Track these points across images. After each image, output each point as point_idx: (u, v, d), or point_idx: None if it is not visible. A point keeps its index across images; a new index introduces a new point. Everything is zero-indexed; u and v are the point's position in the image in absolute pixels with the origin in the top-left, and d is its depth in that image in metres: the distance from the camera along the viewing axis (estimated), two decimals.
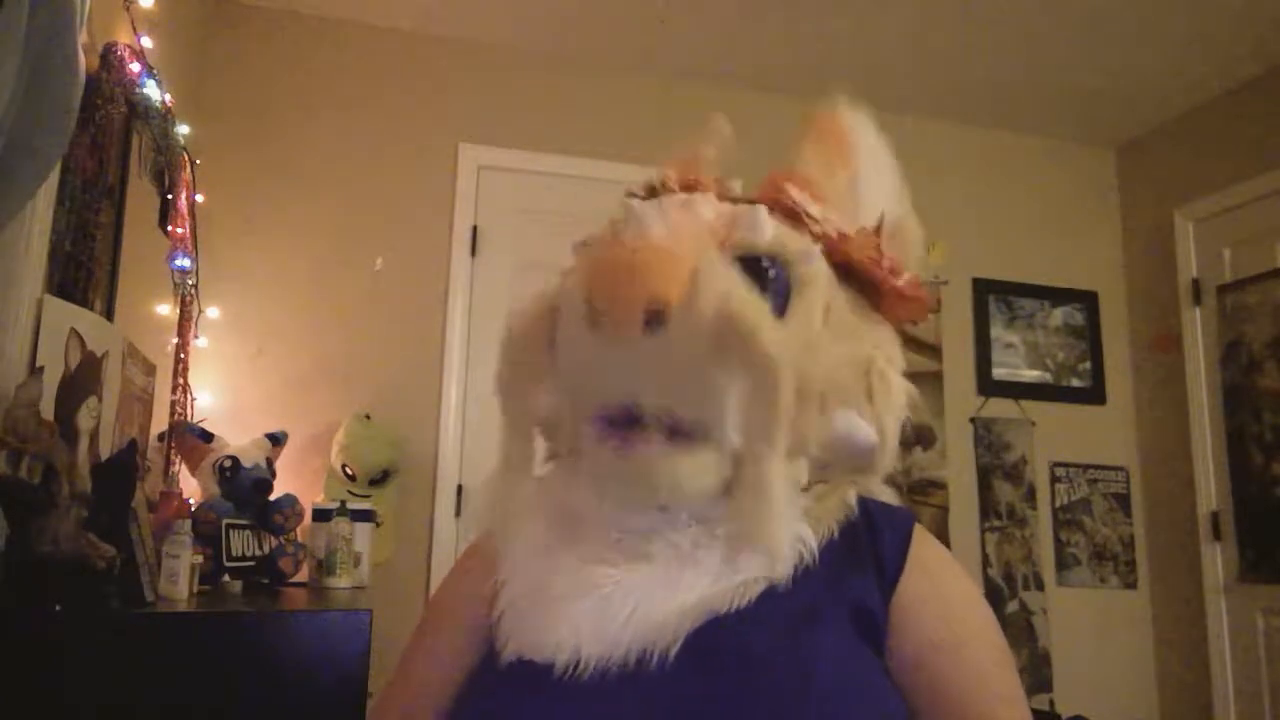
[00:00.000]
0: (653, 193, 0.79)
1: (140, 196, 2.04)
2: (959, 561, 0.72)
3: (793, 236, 0.70)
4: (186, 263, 2.30)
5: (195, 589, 1.65)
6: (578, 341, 0.60)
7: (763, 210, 0.69)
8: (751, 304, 0.59)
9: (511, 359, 0.65)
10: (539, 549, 0.67)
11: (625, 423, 0.61)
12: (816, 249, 0.70)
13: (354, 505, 2.30)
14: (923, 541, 0.70)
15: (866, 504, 0.71)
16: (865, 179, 0.77)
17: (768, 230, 0.68)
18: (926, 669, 0.63)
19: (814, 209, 0.72)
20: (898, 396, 0.71)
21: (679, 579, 0.62)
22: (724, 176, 0.81)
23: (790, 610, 0.62)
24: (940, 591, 0.67)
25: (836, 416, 0.68)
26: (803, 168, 0.77)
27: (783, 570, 0.63)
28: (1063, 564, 3.27)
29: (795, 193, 0.73)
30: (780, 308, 0.66)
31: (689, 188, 0.77)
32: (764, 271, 0.66)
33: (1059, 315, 3.46)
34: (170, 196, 2.21)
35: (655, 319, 0.56)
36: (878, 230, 0.74)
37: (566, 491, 0.68)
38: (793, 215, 0.72)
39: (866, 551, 0.67)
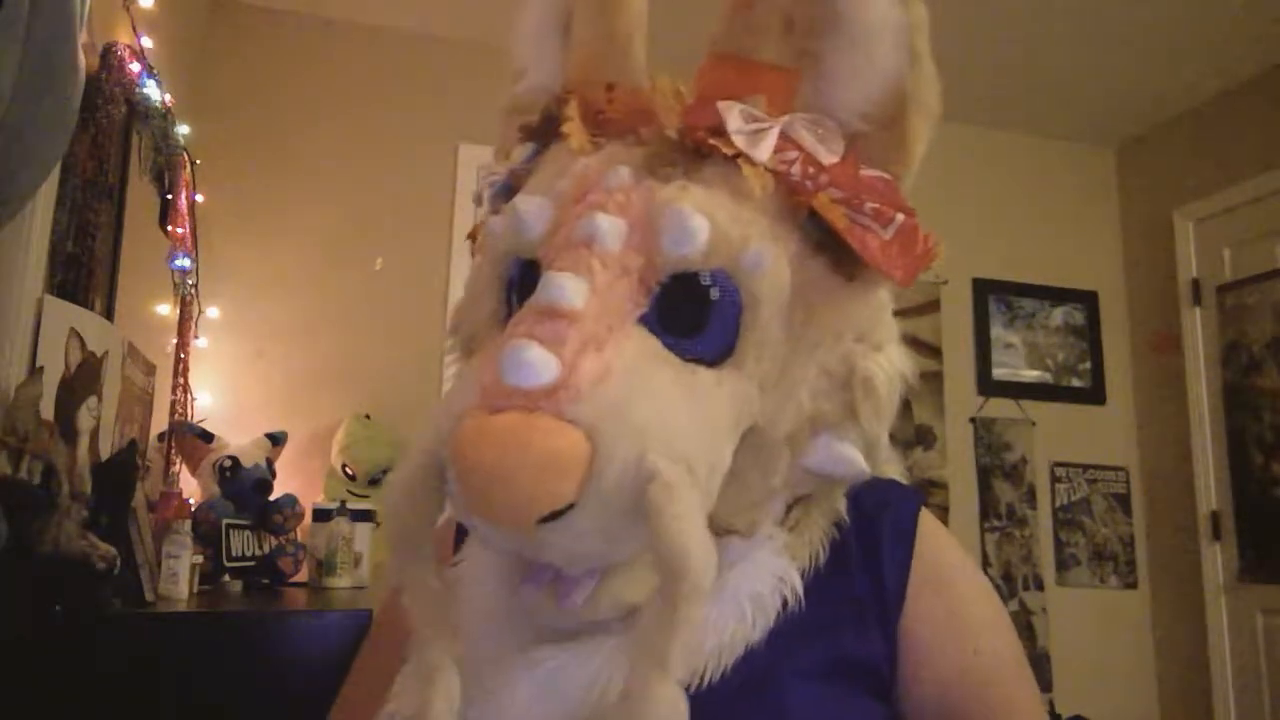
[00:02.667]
0: (544, 135, 0.64)
1: (140, 196, 2.04)
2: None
3: (736, 225, 0.53)
4: (186, 263, 2.30)
5: (195, 589, 1.65)
6: (471, 524, 0.51)
7: (690, 214, 0.52)
8: (667, 473, 0.47)
9: (399, 539, 0.53)
10: (471, 634, 0.57)
11: (548, 574, 0.53)
12: (770, 256, 0.54)
13: (354, 505, 2.30)
14: (928, 543, 0.63)
15: (861, 502, 0.63)
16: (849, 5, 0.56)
17: (700, 237, 0.52)
18: (950, 708, 0.60)
19: (761, 145, 0.55)
20: (887, 400, 0.59)
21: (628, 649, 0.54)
22: (641, 91, 0.62)
23: (771, 672, 0.56)
24: (955, 611, 0.62)
25: (811, 449, 0.57)
26: (746, 21, 0.58)
27: (761, 627, 0.56)
28: (1062, 564, 3.27)
29: (735, 121, 0.55)
30: (728, 335, 0.54)
31: (598, 124, 0.61)
32: (704, 292, 0.53)
33: (1059, 315, 3.46)
34: (170, 196, 2.21)
35: (552, 517, 0.46)
36: (853, 154, 0.57)
37: (482, 600, 0.59)
38: (733, 160, 0.55)
39: (862, 576, 0.61)
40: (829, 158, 0.56)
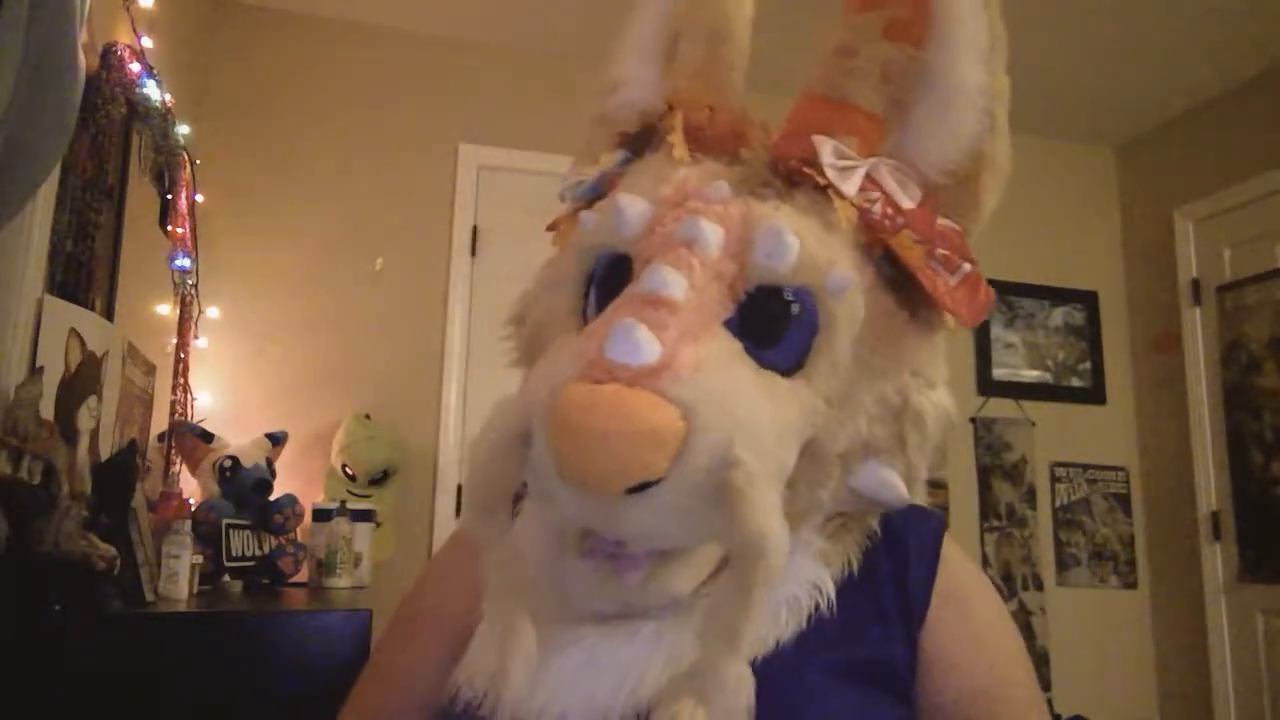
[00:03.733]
0: (643, 142, 0.67)
1: (140, 196, 2.04)
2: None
3: (823, 249, 0.57)
4: (186, 263, 2.30)
5: (195, 589, 1.65)
6: (553, 492, 0.52)
7: (785, 231, 0.55)
8: (750, 464, 0.49)
9: (480, 499, 0.55)
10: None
11: (609, 549, 0.55)
12: (851, 281, 0.57)
13: (354, 505, 2.30)
14: (951, 564, 0.66)
15: (889, 521, 0.66)
16: (947, 59, 0.60)
17: (791, 254, 0.55)
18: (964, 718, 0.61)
19: (849, 182, 0.59)
20: (933, 437, 0.63)
21: (674, 642, 0.56)
22: (739, 115, 0.67)
23: (802, 671, 0.58)
24: (974, 630, 0.64)
25: (860, 471, 0.61)
26: (846, 67, 0.62)
27: (792, 627, 0.58)
28: (1062, 564, 3.27)
29: (828, 155, 0.59)
30: (802, 350, 0.57)
31: (697, 140, 0.65)
32: (786, 306, 0.56)
33: (1059, 315, 3.46)
34: (170, 196, 2.21)
35: (640, 489, 0.48)
36: (930, 203, 0.61)
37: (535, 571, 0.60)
38: (822, 190, 0.59)
39: (889, 587, 0.63)
40: (908, 203, 0.60)
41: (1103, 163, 3.64)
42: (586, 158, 0.72)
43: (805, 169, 0.60)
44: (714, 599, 0.51)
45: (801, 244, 0.56)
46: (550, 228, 0.73)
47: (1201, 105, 3.27)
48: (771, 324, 0.56)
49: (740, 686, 0.48)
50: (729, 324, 0.55)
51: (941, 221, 0.62)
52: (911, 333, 0.63)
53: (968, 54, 0.60)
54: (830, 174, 0.59)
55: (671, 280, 0.53)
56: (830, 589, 0.60)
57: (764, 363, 0.55)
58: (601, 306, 0.59)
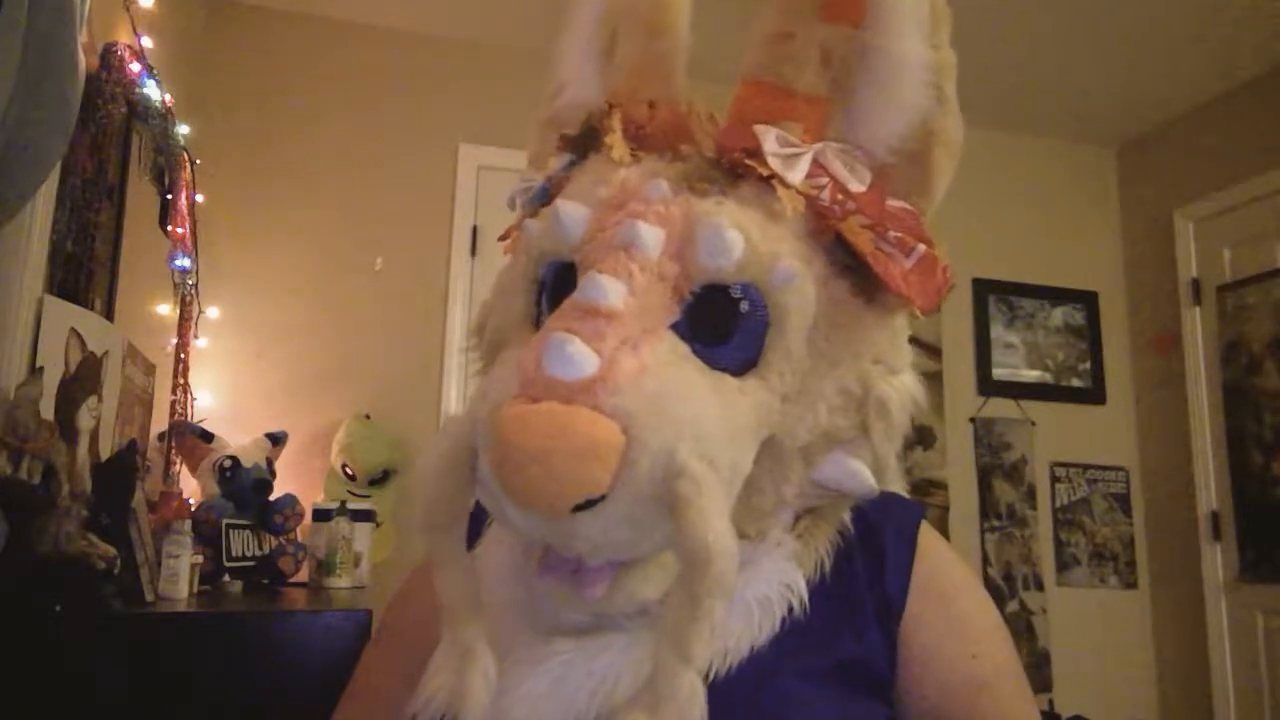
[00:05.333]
0: (586, 144, 0.66)
1: (140, 196, 2.04)
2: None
3: (768, 241, 0.56)
4: (186, 263, 2.30)
5: (195, 589, 1.65)
6: (503, 510, 0.51)
7: (726, 227, 0.54)
8: (695, 470, 0.48)
9: (429, 519, 0.54)
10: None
11: (569, 565, 0.54)
12: (798, 272, 0.56)
13: (354, 505, 2.30)
14: (929, 556, 0.65)
15: (864, 513, 0.65)
16: (887, 35, 0.58)
17: (735, 250, 0.54)
18: (947, 713, 0.61)
19: (795, 170, 0.57)
20: (899, 424, 0.62)
21: (641, 645, 0.55)
22: (681, 109, 0.65)
23: (780, 675, 0.57)
24: (954, 622, 0.63)
25: (824, 463, 0.60)
26: (784, 52, 0.60)
27: (766, 630, 0.58)
28: (1063, 564, 3.27)
29: (771, 144, 0.58)
30: (753, 347, 0.56)
31: (638, 139, 0.63)
32: (734, 304, 0.55)
33: (1059, 315, 3.46)
34: (170, 196, 2.21)
35: (586, 505, 0.47)
36: (880, 185, 0.59)
37: (496, 592, 0.60)
38: (767, 181, 0.58)
39: (866, 583, 0.62)
40: (857, 186, 0.58)
41: (1103, 163, 3.64)
42: (536, 163, 0.71)
43: (748, 160, 0.58)
44: (665, 609, 0.50)
45: (745, 239, 0.54)
46: (502, 237, 0.73)
47: (1201, 105, 3.27)
48: (720, 323, 0.55)
49: (692, 697, 0.47)
50: (676, 326, 0.54)
51: (893, 203, 0.60)
52: (869, 319, 0.61)
53: (908, 29, 0.58)
54: (773, 163, 0.57)
55: (608, 288, 0.52)
56: (803, 589, 0.59)
57: (715, 363, 0.54)
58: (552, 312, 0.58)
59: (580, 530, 0.49)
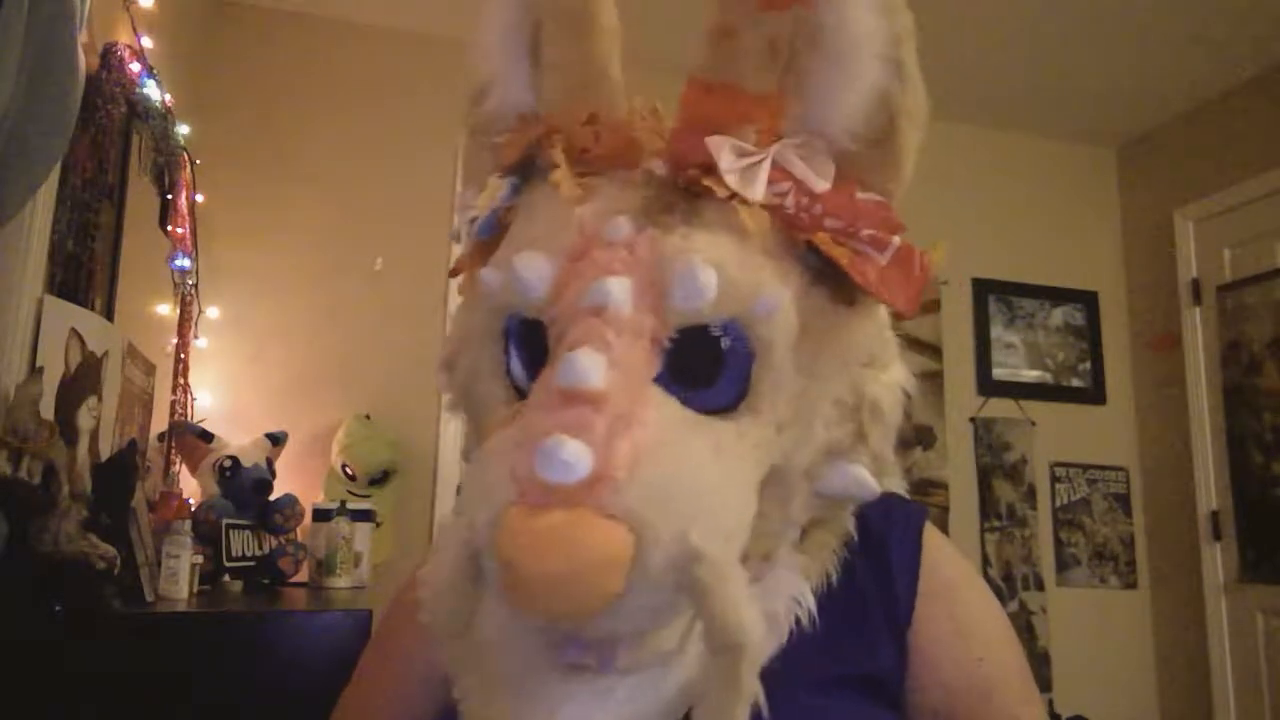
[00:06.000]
0: (524, 170, 0.61)
1: (140, 196, 2.04)
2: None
3: (744, 271, 0.52)
4: (186, 263, 2.30)
5: (195, 589, 1.65)
6: (514, 617, 0.50)
7: (698, 268, 0.51)
8: (711, 554, 0.47)
9: (445, 630, 0.52)
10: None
11: (581, 651, 0.52)
12: (780, 300, 0.53)
13: (354, 505, 2.30)
14: (934, 558, 0.64)
15: (867, 518, 0.64)
16: (834, 11, 0.54)
17: (710, 291, 0.51)
18: (954, 717, 0.60)
19: (755, 183, 0.54)
20: (893, 421, 0.60)
21: (664, 670, 0.54)
22: (625, 121, 0.60)
23: (791, 688, 0.56)
24: (961, 624, 0.63)
25: (827, 475, 0.58)
26: (730, 49, 0.55)
27: (774, 644, 0.56)
28: (1063, 564, 3.27)
29: (727, 159, 0.54)
30: (740, 383, 0.53)
31: (583, 162, 0.59)
32: (715, 343, 0.52)
33: (1059, 315, 3.46)
34: (170, 196, 2.21)
35: (603, 612, 0.46)
36: (847, 177, 0.55)
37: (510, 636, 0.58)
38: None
39: (872, 590, 0.62)
40: (822, 185, 0.55)
41: (1103, 163, 3.64)
42: (472, 178, 0.66)
43: (705, 181, 0.54)
44: (703, 693, 0.48)
45: (720, 274, 0.51)
46: (453, 273, 0.67)
47: (1201, 105, 3.27)
48: (703, 365, 0.52)
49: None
50: (660, 378, 0.51)
51: (862, 196, 0.56)
52: (853, 323, 0.58)
53: (855, 1, 0.53)
54: (731, 180, 0.53)
55: (589, 367, 0.48)
56: (810, 602, 0.58)
57: (703, 406, 0.52)
58: (526, 367, 0.56)
59: (599, 626, 0.47)
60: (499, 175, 0.62)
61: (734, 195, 0.53)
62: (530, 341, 0.55)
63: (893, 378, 0.61)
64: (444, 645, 0.52)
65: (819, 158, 0.56)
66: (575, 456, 0.46)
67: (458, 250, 0.68)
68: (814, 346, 0.56)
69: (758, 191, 0.54)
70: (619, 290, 0.51)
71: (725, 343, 0.52)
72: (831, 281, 0.56)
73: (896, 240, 0.55)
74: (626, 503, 0.46)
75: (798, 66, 0.55)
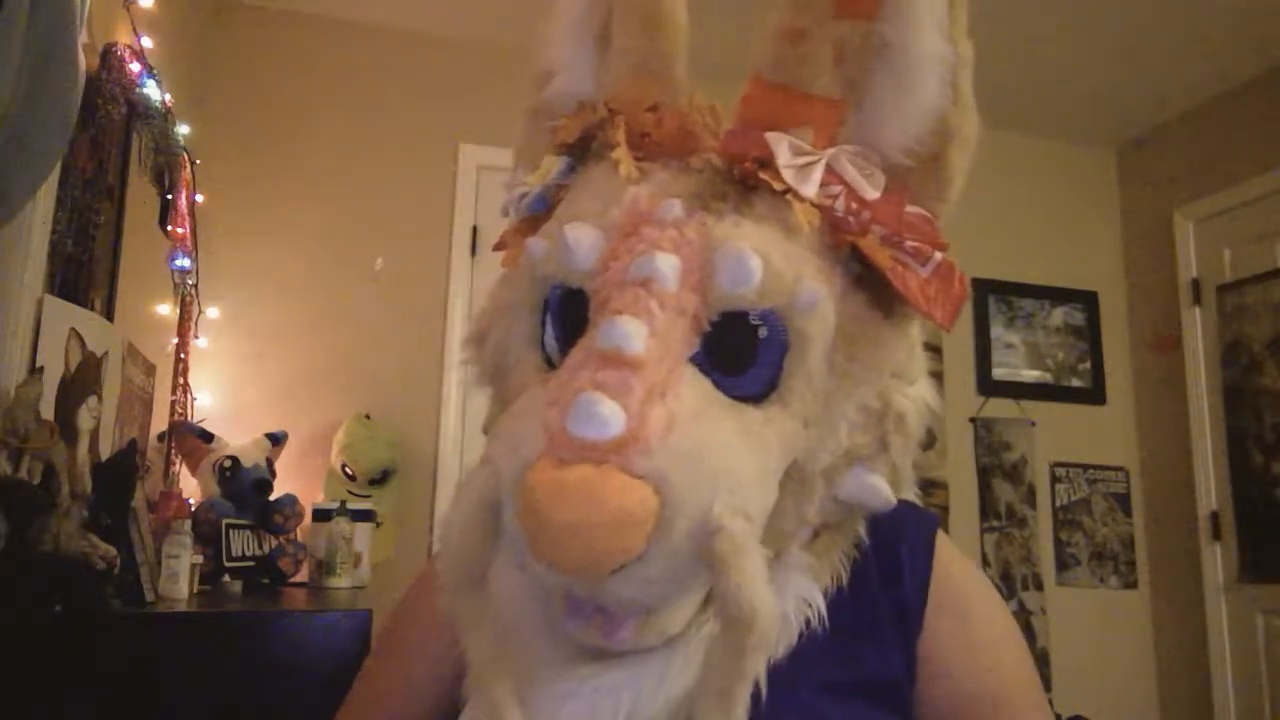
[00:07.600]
0: (585, 148, 0.63)
1: (140, 196, 2.04)
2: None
3: (789, 263, 0.53)
4: (186, 263, 2.30)
5: (195, 589, 1.65)
6: (530, 565, 0.50)
7: (747, 254, 0.52)
8: (733, 527, 0.47)
9: (458, 577, 0.52)
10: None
11: (593, 611, 0.53)
12: (820, 295, 0.54)
13: (354, 505, 2.30)
14: (946, 566, 0.65)
15: (879, 525, 0.64)
16: (903, 30, 0.55)
17: (755, 277, 0.52)
18: None
19: (809, 181, 0.55)
20: (916, 435, 0.61)
21: (668, 667, 0.54)
22: (686, 112, 0.61)
23: (797, 690, 0.57)
24: (972, 634, 0.63)
25: (845, 480, 0.59)
26: (798, 52, 0.57)
27: (784, 645, 0.57)
28: (1062, 564, 3.27)
29: (784, 155, 0.55)
30: (773, 373, 0.54)
31: (642, 147, 0.60)
32: (753, 330, 0.53)
33: (1059, 315, 3.46)
34: (170, 196, 2.21)
35: (621, 568, 0.47)
36: (896, 190, 0.56)
37: (519, 618, 0.59)
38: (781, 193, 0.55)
39: (882, 595, 0.62)
40: (872, 193, 0.56)
41: (1103, 163, 3.64)
42: (526, 159, 0.67)
43: (762, 174, 0.55)
44: (708, 664, 0.49)
45: (765, 263, 0.52)
46: (498, 246, 0.69)
47: (1201, 105, 3.27)
48: (739, 351, 0.53)
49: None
50: (695, 358, 0.52)
51: (910, 209, 0.58)
52: (887, 332, 0.59)
53: (925, 22, 0.55)
54: (788, 175, 0.55)
55: (632, 332, 0.49)
56: (820, 604, 0.59)
57: (735, 392, 0.53)
58: (560, 340, 0.56)
59: (614, 589, 0.48)
60: (555, 153, 0.64)
61: (788, 190, 0.54)
62: (569, 315, 0.56)
63: (919, 393, 0.62)
64: (454, 596, 0.52)
65: (873, 167, 0.57)
66: (610, 414, 0.47)
67: (503, 225, 0.69)
68: (847, 349, 0.56)
69: (811, 189, 0.55)
70: (667, 266, 0.52)
71: (763, 332, 0.53)
72: (870, 289, 0.58)
73: (939, 255, 0.57)
74: (655, 466, 0.46)
75: (861, 77, 0.57)
